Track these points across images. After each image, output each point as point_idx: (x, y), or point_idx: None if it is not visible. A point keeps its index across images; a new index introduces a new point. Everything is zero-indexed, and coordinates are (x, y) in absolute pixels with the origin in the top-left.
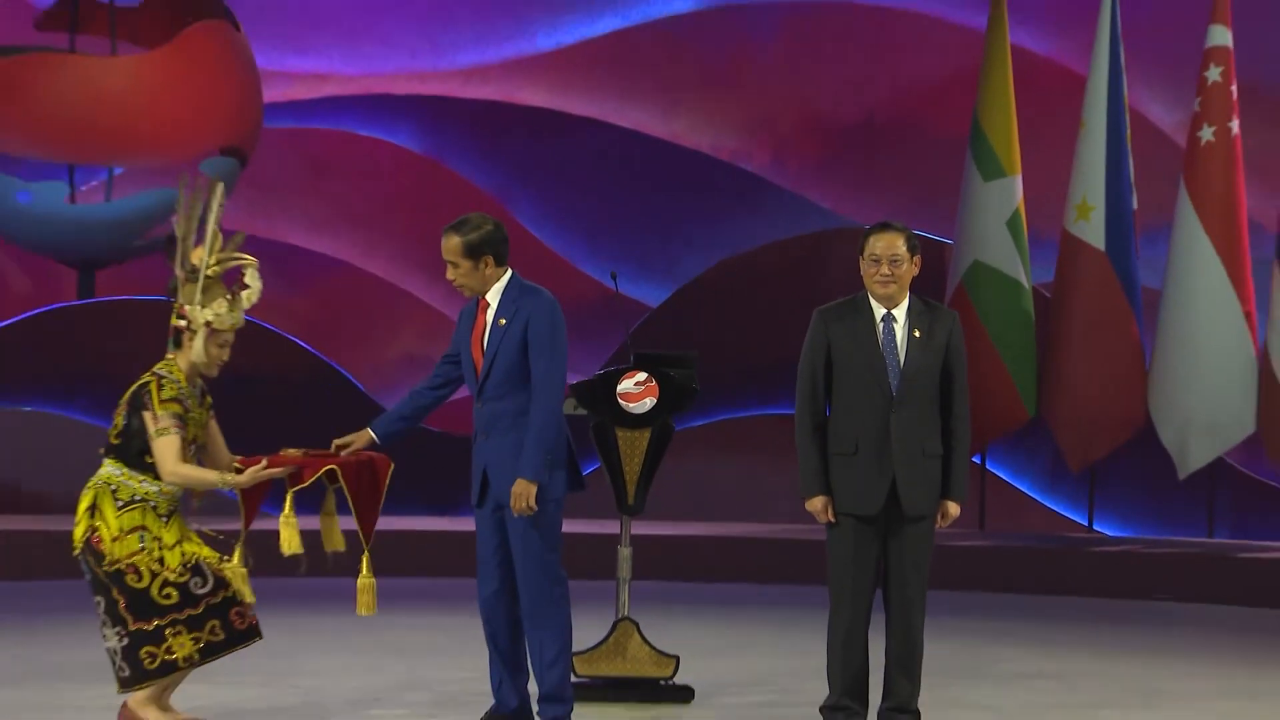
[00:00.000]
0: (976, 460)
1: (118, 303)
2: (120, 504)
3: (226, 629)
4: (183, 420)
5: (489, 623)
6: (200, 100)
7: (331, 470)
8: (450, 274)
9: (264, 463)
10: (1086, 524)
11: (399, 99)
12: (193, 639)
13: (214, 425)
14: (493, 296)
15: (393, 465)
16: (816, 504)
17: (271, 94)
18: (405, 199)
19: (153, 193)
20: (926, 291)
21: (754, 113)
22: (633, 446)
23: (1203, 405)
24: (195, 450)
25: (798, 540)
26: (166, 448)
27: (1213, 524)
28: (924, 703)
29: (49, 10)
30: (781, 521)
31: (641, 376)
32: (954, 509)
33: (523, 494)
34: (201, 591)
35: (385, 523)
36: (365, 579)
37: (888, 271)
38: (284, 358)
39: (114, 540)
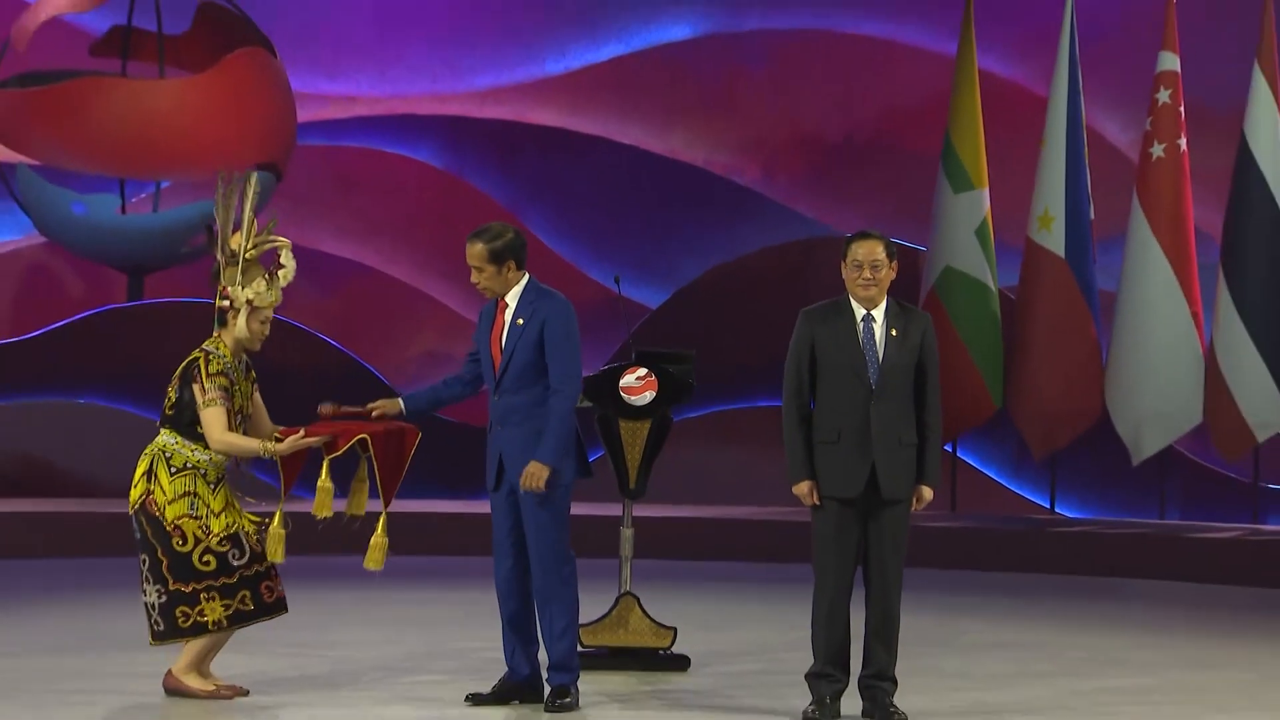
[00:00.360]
0: (948, 449)
1: (164, 305)
2: (173, 470)
3: (256, 600)
4: (229, 392)
5: (503, 598)
6: (240, 120)
7: (363, 439)
8: (475, 278)
9: (301, 432)
10: (1049, 507)
11: (422, 119)
12: (224, 605)
13: (258, 398)
14: (511, 298)
15: (420, 435)
16: (803, 488)
17: (305, 114)
18: (427, 211)
19: (197, 205)
20: (902, 294)
21: (746, 131)
22: (634, 436)
23: (1154, 398)
24: (241, 420)
25: (785, 522)
26: (214, 418)
27: (1164, 507)
28: (901, 670)
29: (103, 37)
30: (771, 505)
31: (642, 372)
32: (928, 493)
33: (535, 474)
34: (238, 563)
35: (405, 505)
36: (379, 538)
37: (869, 275)
38: (315, 355)
39: (168, 503)
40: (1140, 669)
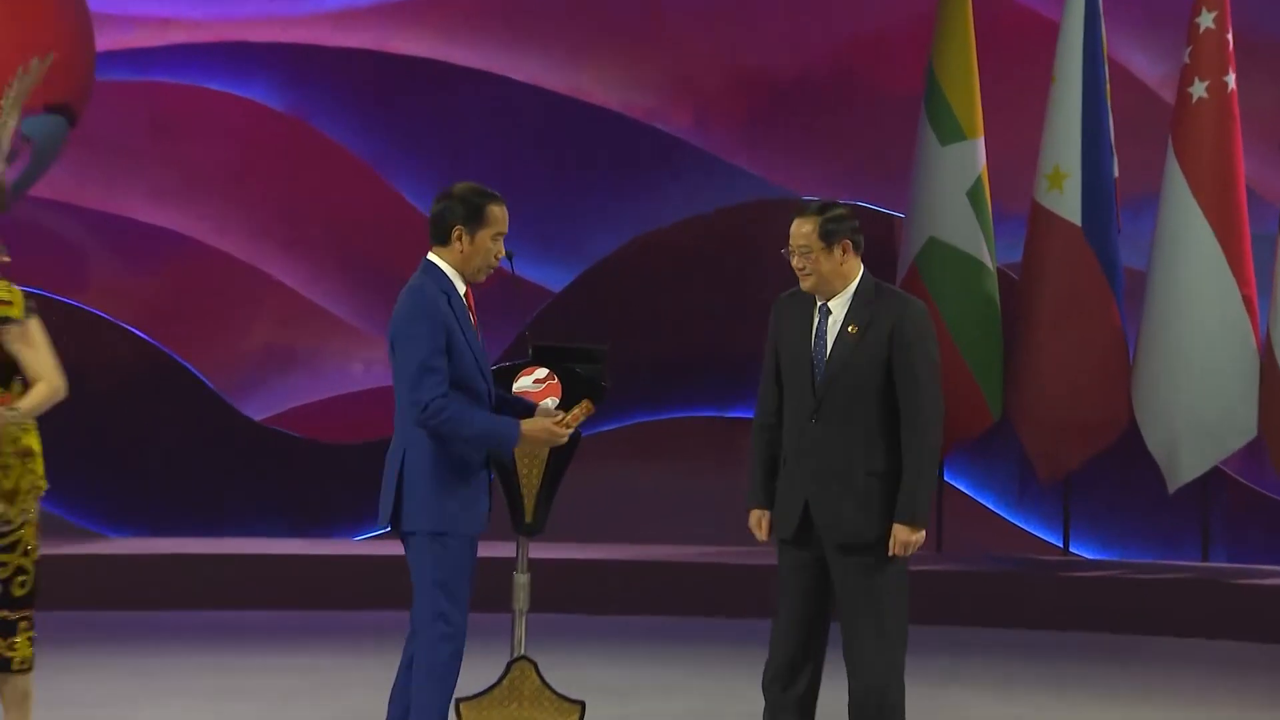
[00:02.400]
0: None
1: None
2: None
3: None
4: None
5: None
6: (19, 47)
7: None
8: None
9: None
10: (1061, 545)
11: (256, 48)
12: None
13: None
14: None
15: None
16: (751, 518)
17: (106, 41)
18: (264, 164)
19: None
20: (876, 273)
21: (674, 66)
22: (532, 456)
23: (1195, 405)
24: None
25: (727, 566)
26: None
27: (1208, 545)
28: None
29: None
30: (708, 543)
31: (541, 373)
32: (904, 534)
33: None
34: None
35: (244, 546)
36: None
37: (799, 263)
38: (119, 350)
39: None
40: None
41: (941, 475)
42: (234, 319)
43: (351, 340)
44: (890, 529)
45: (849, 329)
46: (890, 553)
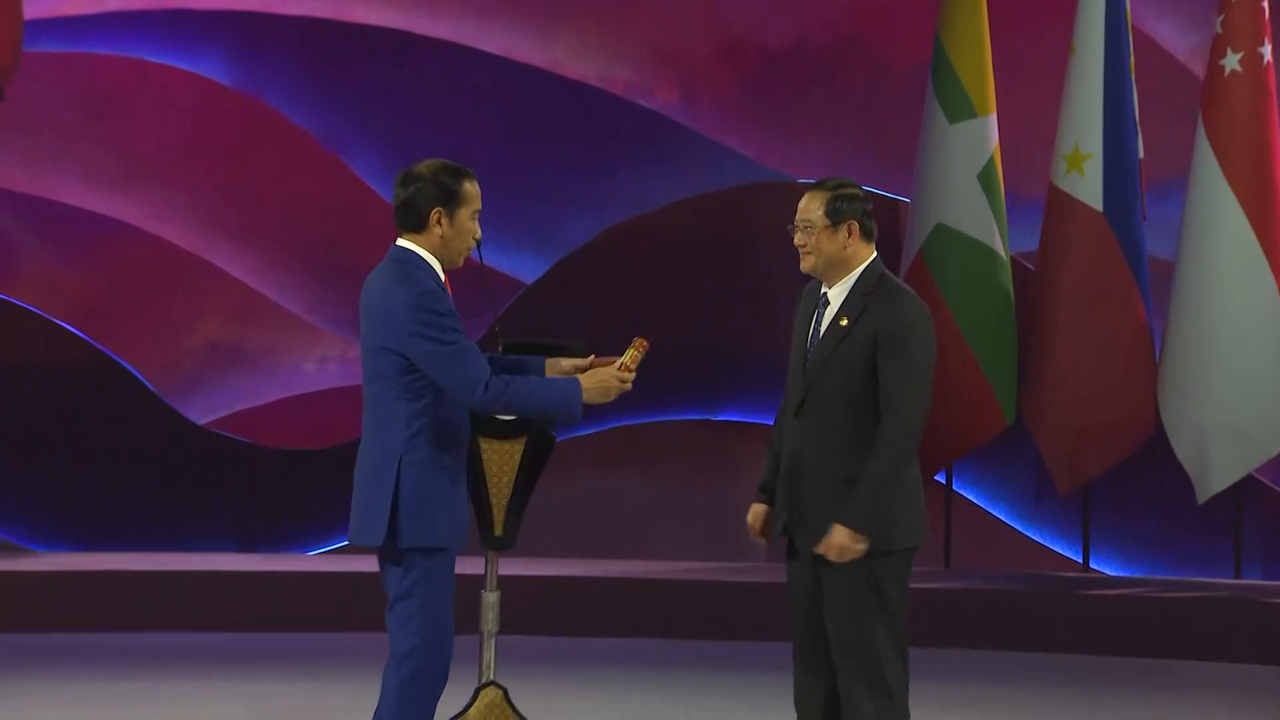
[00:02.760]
0: (941, 480)
1: None
2: None
3: None
4: None
5: None
6: None
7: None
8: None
9: None
10: (1080, 561)
11: (202, 16)
12: None
13: None
14: None
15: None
16: (750, 511)
17: (36, 9)
18: (210, 144)
19: None
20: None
21: (658, 37)
22: (501, 462)
23: (1228, 407)
24: None
25: (718, 584)
26: None
27: (1240, 561)
28: None
29: None
30: (696, 559)
31: None
32: (841, 536)
33: None
34: None
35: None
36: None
37: (801, 240)
38: (52, 347)
39: None
40: None
41: (949, 485)
42: (177, 314)
43: (306, 337)
44: (872, 548)
45: (840, 321)
46: (816, 550)
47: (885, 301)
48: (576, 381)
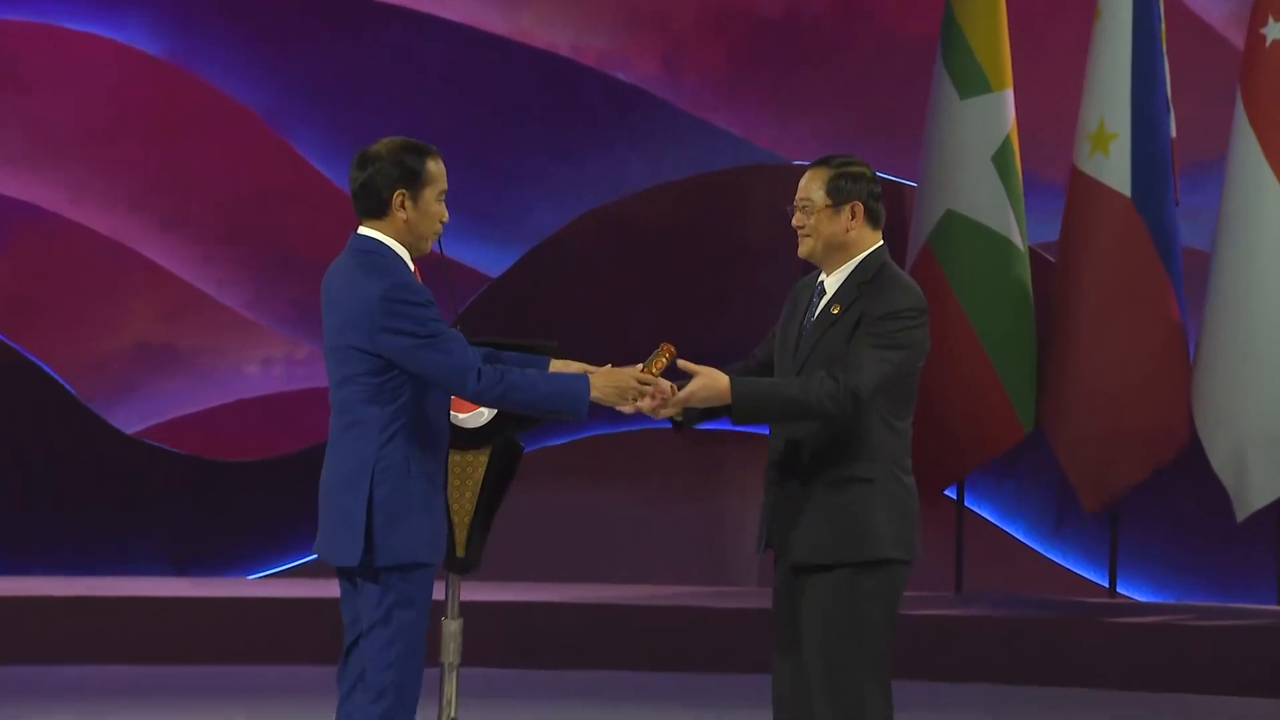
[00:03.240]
0: (951, 495)
1: None
2: None
3: None
4: None
5: None
6: None
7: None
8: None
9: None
10: (1107, 585)
11: None
12: None
13: None
14: None
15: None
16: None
17: None
18: (136, 121)
19: None
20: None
21: (636, 2)
22: (464, 474)
23: (1269, 415)
24: None
25: (702, 610)
26: None
27: None
28: None
29: None
30: (680, 583)
31: None
32: (696, 386)
33: None
34: None
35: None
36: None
37: (799, 221)
38: None
39: None
40: None
41: (961, 500)
42: (101, 310)
43: (246, 336)
44: (847, 553)
45: (831, 309)
46: (675, 394)
47: (878, 289)
48: (585, 378)
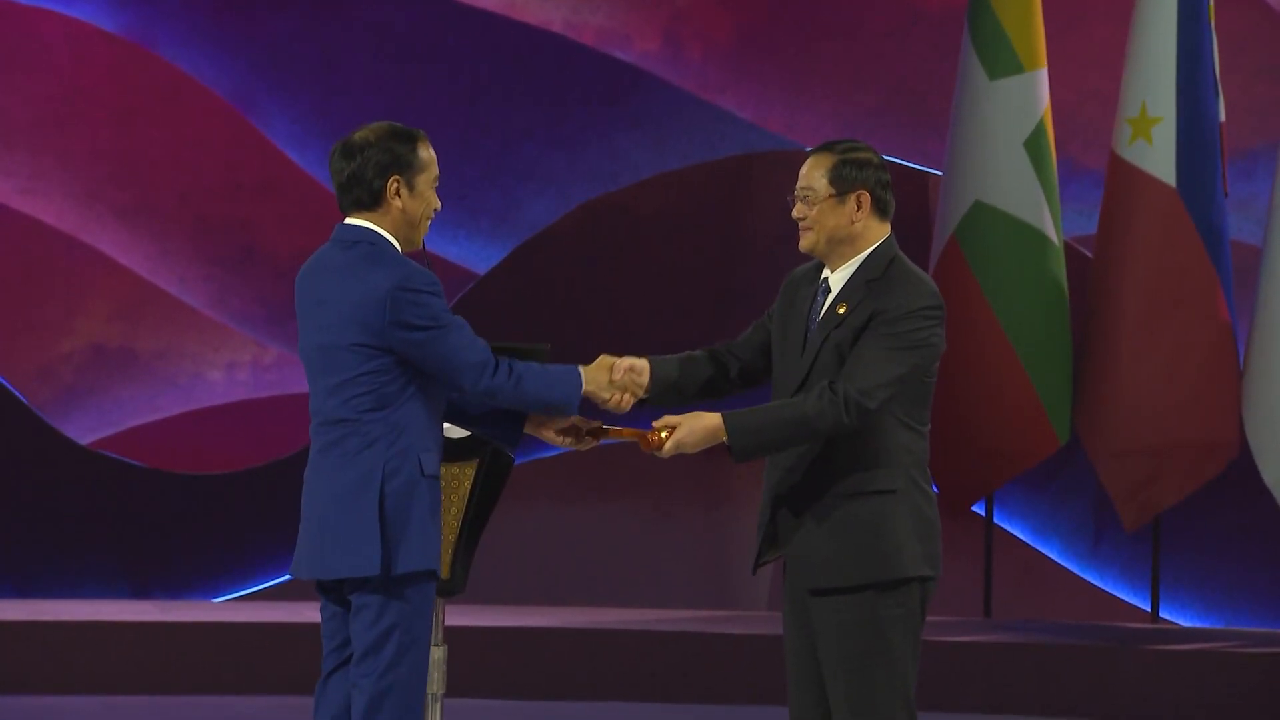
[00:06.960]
0: (979, 511)
1: None
2: None
3: None
4: None
5: None
6: None
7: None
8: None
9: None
10: (1149, 610)
11: None
12: None
13: None
14: None
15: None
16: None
17: None
18: (92, 104)
19: None
20: (904, 247)
21: None
22: (449, 489)
23: None
24: None
25: (704, 636)
26: None
27: None
28: None
29: None
30: (680, 607)
31: None
32: (682, 434)
33: None
34: None
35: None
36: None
37: (800, 212)
38: None
39: None
40: None
41: (990, 517)
42: (52, 309)
43: (211, 339)
44: (870, 573)
45: (838, 308)
46: (654, 433)
47: (889, 286)
48: (575, 369)
